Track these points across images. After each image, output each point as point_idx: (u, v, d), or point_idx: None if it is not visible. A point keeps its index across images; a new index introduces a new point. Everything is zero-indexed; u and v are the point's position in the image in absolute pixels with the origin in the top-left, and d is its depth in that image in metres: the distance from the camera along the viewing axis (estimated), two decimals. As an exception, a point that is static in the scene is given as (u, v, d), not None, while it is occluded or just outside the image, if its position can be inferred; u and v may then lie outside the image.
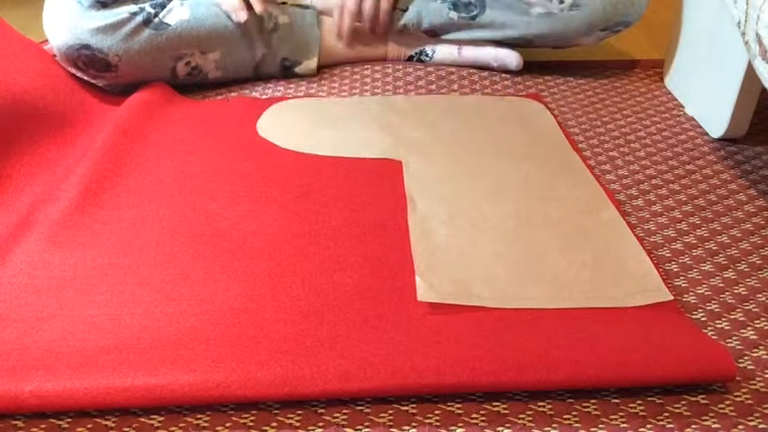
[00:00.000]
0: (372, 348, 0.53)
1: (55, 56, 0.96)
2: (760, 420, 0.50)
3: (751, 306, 0.61)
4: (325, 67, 1.09)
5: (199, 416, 0.50)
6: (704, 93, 0.95)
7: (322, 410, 0.51)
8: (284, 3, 1.08)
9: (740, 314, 0.60)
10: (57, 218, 0.69)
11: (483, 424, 0.50)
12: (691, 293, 0.63)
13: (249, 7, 0.97)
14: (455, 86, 1.04)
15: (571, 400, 0.52)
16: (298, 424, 0.50)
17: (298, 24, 1.05)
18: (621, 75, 1.11)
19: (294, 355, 0.52)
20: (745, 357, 0.56)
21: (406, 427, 0.50)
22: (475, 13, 1.04)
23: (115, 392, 0.49)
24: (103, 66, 0.94)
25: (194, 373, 0.50)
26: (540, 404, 0.51)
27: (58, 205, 0.71)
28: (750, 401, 0.52)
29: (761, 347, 0.57)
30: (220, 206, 0.73)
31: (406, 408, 0.51)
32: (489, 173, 0.79)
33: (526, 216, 0.71)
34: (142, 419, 0.50)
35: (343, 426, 0.50)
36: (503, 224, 0.70)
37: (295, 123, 0.91)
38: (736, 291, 0.63)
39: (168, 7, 0.96)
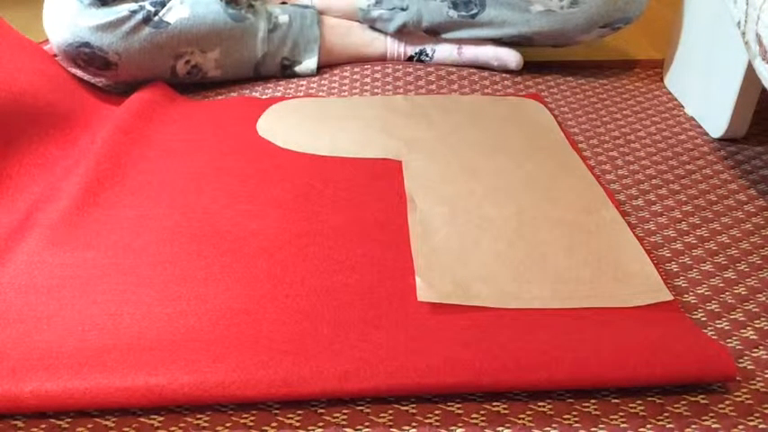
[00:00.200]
0: (372, 348, 0.53)
1: (55, 55, 0.96)
2: (760, 420, 0.50)
3: (751, 306, 0.61)
4: (325, 67, 1.09)
5: (199, 416, 0.50)
6: (704, 93, 0.95)
7: (322, 410, 0.51)
8: (284, 2, 1.08)
9: (740, 314, 0.60)
10: (57, 218, 0.69)
11: (483, 424, 0.50)
12: (691, 293, 0.63)
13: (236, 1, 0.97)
14: (455, 86, 1.04)
15: (571, 400, 0.52)
16: (298, 424, 0.50)
17: (298, 24, 1.05)
18: (621, 75, 1.11)
19: (294, 356, 0.52)
20: (745, 357, 0.56)
21: (406, 427, 0.50)
22: (475, 11, 1.04)
23: (115, 392, 0.49)
24: (103, 64, 0.94)
25: (194, 373, 0.50)
26: (540, 404, 0.51)
27: (58, 205, 0.71)
28: (750, 401, 0.52)
29: (761, 347, 0.57)
30: (220, 206, 0.73)
31: (406, 408, 0.51)
32: (489, 173, 0.79)
33: (526, 216, 0.71)
34: (142, 419, 0.50)
35: (343, 426, 0.50)
36: (503, 224, 0.70)
37: (295, 123, 0.91)
38: (736, 291, 0.63)
39: (168, 5, 0.96)
